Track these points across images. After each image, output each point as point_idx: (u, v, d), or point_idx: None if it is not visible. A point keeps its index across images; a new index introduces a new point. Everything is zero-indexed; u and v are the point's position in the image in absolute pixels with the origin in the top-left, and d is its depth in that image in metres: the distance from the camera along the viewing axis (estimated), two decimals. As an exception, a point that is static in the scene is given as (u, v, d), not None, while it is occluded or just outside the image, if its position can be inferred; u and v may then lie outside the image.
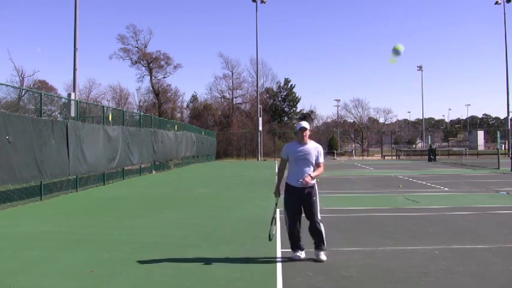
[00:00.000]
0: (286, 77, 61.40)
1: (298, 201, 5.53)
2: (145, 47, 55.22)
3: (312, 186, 5.58)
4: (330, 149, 49.49)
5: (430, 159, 35.83)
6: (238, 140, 48.55)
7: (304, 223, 5.63)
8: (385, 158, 46.73)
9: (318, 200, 5.62)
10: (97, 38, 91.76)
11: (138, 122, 21.16)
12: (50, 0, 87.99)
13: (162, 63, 55.83)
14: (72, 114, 15.73)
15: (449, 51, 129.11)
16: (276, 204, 5.75)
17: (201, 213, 9.54)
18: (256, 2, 39.37)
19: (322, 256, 5.47)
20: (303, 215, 5.60)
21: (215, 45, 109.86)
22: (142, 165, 20.49)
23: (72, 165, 12.77)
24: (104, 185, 15.66)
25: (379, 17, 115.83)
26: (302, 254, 5.54)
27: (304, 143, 5.58)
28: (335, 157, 46.68)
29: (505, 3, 40.94)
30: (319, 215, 5.58)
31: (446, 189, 14.10)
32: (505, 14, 41.18)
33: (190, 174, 22.45)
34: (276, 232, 5.77)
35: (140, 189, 14.96)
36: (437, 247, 6.19)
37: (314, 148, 5.61)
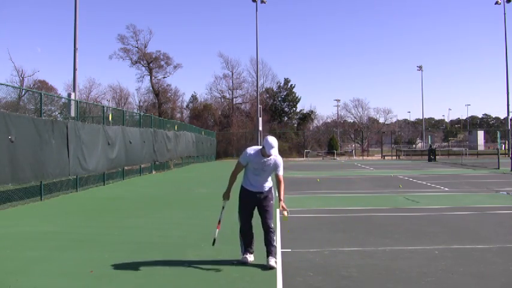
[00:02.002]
0: (286, 77, 61.34)
1: (253, 205, 5.43)
2: (145, 47, 55.23)
3: (270, 190, 5.48)
4: (330, 149, 49.41)
5: (430, 159, 35.83)
6: (238, 140, 48.55)
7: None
8: (385, 158, 46.73)
9: (273, 206, 5.49)
10: (97, 38, 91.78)
11: (138, 122, 21.17)
12: (50, 0, 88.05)
13: (162, 63, 55.85)
14: (72, 114, 15.73)
15: (449, 51, 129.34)
16: (223, 208, 5.59)
17: (201, 213, 9.54)
18: (256, 2, 39.35)
19: (272, 262, 5.22)
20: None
21: (215, 45, 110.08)
22: (142, 165, 20.50)
23: (72, 165, 12.77)
24: (104, 185, 15.66)
25: (379, 17, 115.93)
26: (251, 257, 5.45)
27: (268, 156, 5.35)
28: (335, 157, 46.68)
29: (505, 3, 40.94)
30: (272, 221, 5.42)
31: (446, 189, 14.10)
32: (505, 14, 41.19)
33: (190, 174, 22.46)
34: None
35: (140, 189, 14.96)
36: (437, 247, 6.19)
37: (275, 161, 5.38)
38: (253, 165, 5.39)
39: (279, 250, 5.97)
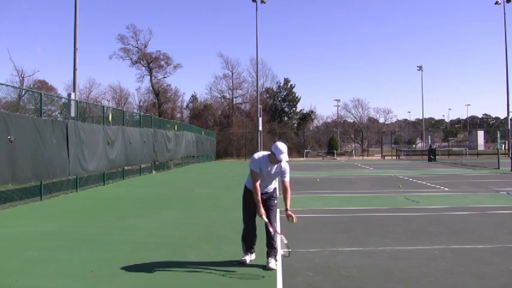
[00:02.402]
0: (286, 77, 61.39)
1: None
2: (145, 47, 55.32)
3: (274, 190, 5.51)
4: (330, 149, 49.41)
5: (430, 159, 35.83)
6: (238, 140, 48.53)
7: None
8: (385, 158, 46.71)
9: (277, 205, 5.51)
10: (97, 38, 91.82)
11: (138, 122, 21.17)
12: (50, 0, 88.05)
13: (162, 63, 55.94)
14: (72, 114, 15.73)
15: (449, 51, 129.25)
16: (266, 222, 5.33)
17: (201, 213, 9.54)
18: (256, 2, 39.36)
19: (272, 264, 5.20)
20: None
21: (215, 45, 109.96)
22: (142, 165, 20.50)
23: (72, 165, 12.77)
24: (103, 185, 15.66)
25: (379, 17, 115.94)
26: (252, 256, 5.45)
27: (276, 163, 5.33)
28: (335, 157, 46.68)
29: (505, 3, 40.94)
30: (275, 221, 5.44)
31: (446, 189, 14.10)
32: (505, 14, 41.19)
33: (190, 174, 22.46)
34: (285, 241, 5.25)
35: (140, 189, 14.96)
36: (437, 247, 6.19)
37: (282, 167, 5.37)
38: (262, 172, 5.32)
39: (279, 250, 5.97)
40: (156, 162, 22.50)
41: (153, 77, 55.78)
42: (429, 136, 47.96)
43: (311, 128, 63.05)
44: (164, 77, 57.02)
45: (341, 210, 9.75)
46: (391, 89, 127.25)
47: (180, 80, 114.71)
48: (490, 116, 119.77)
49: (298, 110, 60.51)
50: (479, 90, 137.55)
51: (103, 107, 17.56)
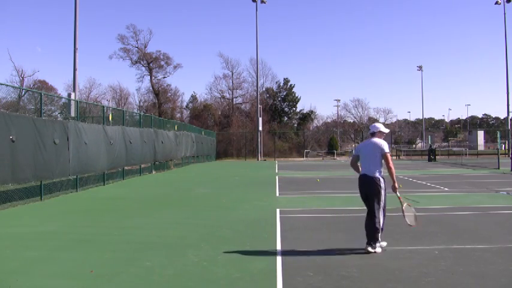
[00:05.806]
0: (286, 77, 61.46)
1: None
2: (145, 47, 55.42)
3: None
4: (330, 149, 49.48)
5: (430, 159, 35.85)
6: (238, 140, 48.57)
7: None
8: (385, 158, 46.62)
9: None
10: (97, 38, 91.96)
11: (138, 122, 21.17)
12: (50, 0, 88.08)
13: (162, 63, 56.03)
14: (72, 114, 15.74)
15: (449, 51, 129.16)
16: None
17: (201, 213, 9.54)
18: (256, 2, 39.40)
19: (369, 248, 5.90)
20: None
21: (215, 45, 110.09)
22: (142, 165, 20.50)
23: (72, 165, 12.77)
24: (104, 185, 15.66)
25: (379, 17, 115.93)
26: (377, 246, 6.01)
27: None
28: (335, 157, 46.68)
29: (505, 3, 41.00)
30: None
31: (446, 189, 14.09)
32: (505, 14, 41.24)
33: (190, 174, 22.46)
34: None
35: (140, 189, 14.96)
36: (437, 247, 6.19)
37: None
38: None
39: (278, 250, 5.97)
40: (156, 162, 22.50)
41: (153, 77, 55.86)
42: (429, 136, 47.99)
43: (311, 128, 63.11)
44: (164, 77, 57.19)
45: (341, 210, 9.74)
46: (391, 89, 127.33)
47: (180, 80, 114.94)
48: (490, 116, 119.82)
49: (298, 110, 60.62)
50: (479, 90, 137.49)
51: (103, 107, 17.56)
